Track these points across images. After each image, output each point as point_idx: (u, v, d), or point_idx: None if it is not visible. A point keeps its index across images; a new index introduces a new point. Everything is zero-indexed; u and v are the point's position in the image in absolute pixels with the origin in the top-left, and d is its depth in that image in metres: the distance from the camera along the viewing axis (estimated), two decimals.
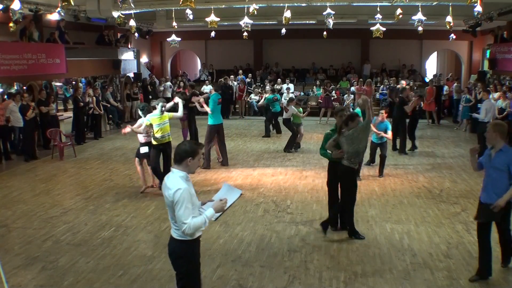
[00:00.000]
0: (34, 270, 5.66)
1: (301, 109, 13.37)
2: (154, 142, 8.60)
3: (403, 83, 17.37)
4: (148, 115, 8.59)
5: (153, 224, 7.26)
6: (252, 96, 19.92)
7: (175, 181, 3.73)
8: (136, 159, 9.00)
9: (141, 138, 8.78)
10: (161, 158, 8.76)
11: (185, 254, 3.81)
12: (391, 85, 18.56)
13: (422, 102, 13.54)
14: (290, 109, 12.63)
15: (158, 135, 8.53)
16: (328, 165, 6.88)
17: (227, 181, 9.73)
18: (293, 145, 12.67)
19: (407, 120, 12.41)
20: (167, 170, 8.53)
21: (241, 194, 4.72)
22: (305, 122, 17.50)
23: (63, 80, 20.51)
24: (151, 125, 8.50)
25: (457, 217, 7.48)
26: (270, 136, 14.89)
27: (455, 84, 18.15)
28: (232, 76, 20.44)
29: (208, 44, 24.41)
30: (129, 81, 19.00)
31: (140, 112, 8.89)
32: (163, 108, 8.66)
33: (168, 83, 20.63)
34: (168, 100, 18.72)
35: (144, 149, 8.80)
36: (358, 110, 9.41)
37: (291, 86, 20.01)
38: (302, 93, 20.77)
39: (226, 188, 4.50)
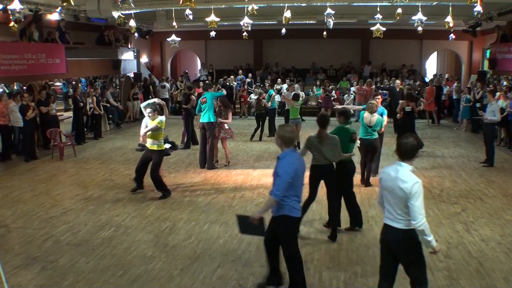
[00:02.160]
0: (34, 270, 5.65)
1: (300, 101, 12.95)
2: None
3: (398, 82, 17.37)
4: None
5: (153, 224, 7.26)
6: (252, 96, 19.93)
7: (410, 174, 3.99)
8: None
9: None
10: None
11: (410, 242, 3.99)
12: (390, 85, 18.57)
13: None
14: (288, 96, 12.53)
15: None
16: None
17: (227, 181, 9.73)
18: None
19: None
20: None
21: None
22: (305, 122, 17.58)
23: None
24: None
25: (457, 217, 7.48)
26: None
27: (455, 84, 18.16)
28: (232, 76, 20.43)
29: (208, 44, 24.42)
30: (130, 81, 19.01)
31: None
32: (150, 115, 8.41)
33: (161, 84, 20.17)
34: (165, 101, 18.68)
35: (167, 145, 8.86)
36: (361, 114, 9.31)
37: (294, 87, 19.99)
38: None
39: None
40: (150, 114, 8.38)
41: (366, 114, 9.00)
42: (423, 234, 3.88)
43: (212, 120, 10.57)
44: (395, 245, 4.07)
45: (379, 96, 10.65)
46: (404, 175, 3.98)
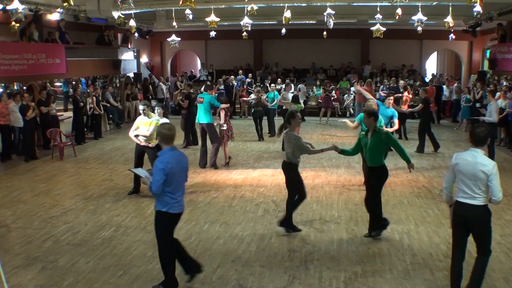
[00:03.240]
0: (34, 270, 5.65)
1: (299, 104, 12.96)
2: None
3: (402, 83, 17.35)
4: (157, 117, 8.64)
5: (153, 224, 7.20)
6: (252, 96, 19.92)
7: (486, 159, 4.62)
8: None
9: None
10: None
11: (486, 215, 4.66)
12: (391, 85, 18.56)
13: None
14: (286, 96, 12.44)
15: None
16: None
17: (227, 182, 9.74)
18: None
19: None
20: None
21: None
22: (305, 122, 17.59)
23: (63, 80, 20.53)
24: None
25: None
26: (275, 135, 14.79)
27: (456, 84, 18.13)
28: (232, 76, 20.42)
29: (208, 44, 24.42)
30: (129, 81, 19.00)
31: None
32: (144, 111, 8.41)
33: (157, 84, 20.05)
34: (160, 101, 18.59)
35: None
36: (360, 115, 9.29)
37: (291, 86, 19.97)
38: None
39: None
40: (144, 111, 8.37)
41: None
42: (498, 203, 4.65)
43: (210, 121, 10.56)
44: (473, 219, 4.64)
45: (392, 97, 10.66)
46: (483, 160, 4.58)
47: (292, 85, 18.41)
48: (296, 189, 6.74)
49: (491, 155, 10.89)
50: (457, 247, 4.91)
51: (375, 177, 6.55)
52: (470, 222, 4.69)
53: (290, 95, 13.03)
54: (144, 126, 8.39)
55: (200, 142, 11.13)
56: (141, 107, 8.48)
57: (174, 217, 5.01)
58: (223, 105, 10.69)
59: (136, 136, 8.48)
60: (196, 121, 10.80)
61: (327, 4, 12.30)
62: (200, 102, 10.66)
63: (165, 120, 8.74)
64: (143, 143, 8.44)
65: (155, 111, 8.86)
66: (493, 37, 17.58)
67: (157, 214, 5.01)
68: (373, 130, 6.45)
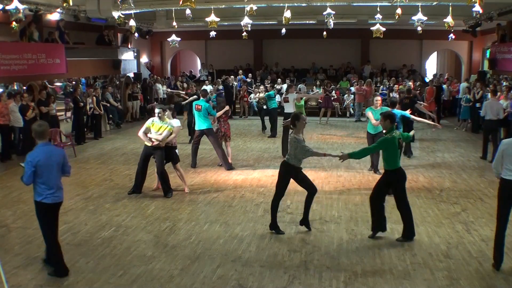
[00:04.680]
0: (34, 270, 5.65)
1: (303, 101, 12.86)
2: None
3: (411, 84, 17.34)
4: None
5: (153, 224, 7.26)
6: (252, 96, 19.95)
7: None
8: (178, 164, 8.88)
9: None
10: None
11: None
12: (391, 85, 18.59)
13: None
14: (290, 97, 12.40)
15: None
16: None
17: (227, 182, 9.74)
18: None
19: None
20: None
21: None
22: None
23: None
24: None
25: (457, 217, 7.48)
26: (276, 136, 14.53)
27: (465, 84, 18.00)
28: (232, 76, 20.42)
29: (208, 44, 24.43)
30: (130, 81, 19.00)
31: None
32: (159, 115, 8.44)
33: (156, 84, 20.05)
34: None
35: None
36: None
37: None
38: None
39: None
40: (159, 114, 8.40)
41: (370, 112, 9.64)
42: None
43: (210, 126, 10.52)
44: None
45: (379, 98, 10.63)
46: None
47: (300, 86, 18.44)
48: (283, 190, 6.79)
49: (493, 152, 10.85)
50: (502, 217, 5.51)
51: (394, 182, 6.43)
52: None
53: (294, 96, 12.90)
54: (156, 130, 8.40)
55: (194, 145, 11.05)
56: (157, 110, 8.51)
57: (49, 207, 5.39)
58: (219, 113, 10.65)
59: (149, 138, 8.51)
60: (196, 128, 10.68)
61: (327, 4, 12.30)
62: (199, 109, 10.51)
63: (176, 121, 8.77)
64: (155, 143, 8.40)
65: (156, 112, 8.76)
66: (493, 40, 17.56)
67: (35, 204, 5.41)
68: (387, 132, 6.48)
